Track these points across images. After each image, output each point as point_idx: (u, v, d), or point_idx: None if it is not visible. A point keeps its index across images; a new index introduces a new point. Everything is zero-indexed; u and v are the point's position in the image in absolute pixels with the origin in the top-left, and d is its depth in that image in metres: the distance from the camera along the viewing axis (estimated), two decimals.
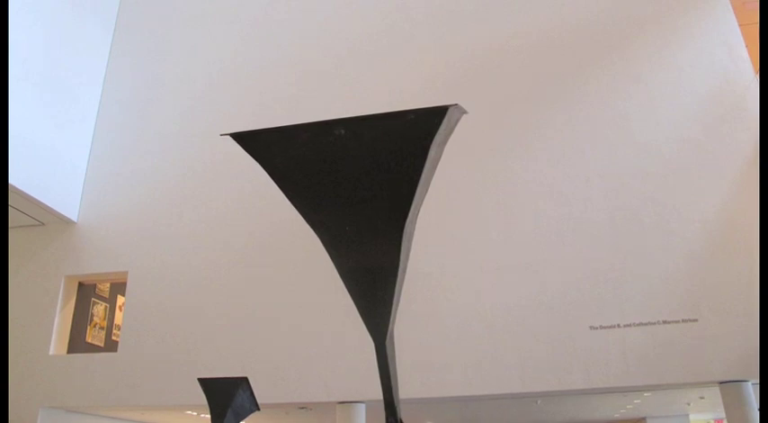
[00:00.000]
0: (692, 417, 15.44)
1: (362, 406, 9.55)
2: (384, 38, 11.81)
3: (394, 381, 2.26)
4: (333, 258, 2.01)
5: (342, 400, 9.48)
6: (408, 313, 8.48)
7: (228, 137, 1.75)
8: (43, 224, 11.67)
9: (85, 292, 12.27)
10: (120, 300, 13.21)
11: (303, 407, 10.78)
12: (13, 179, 10.01)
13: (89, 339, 12.60)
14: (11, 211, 10.89)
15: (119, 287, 13.14)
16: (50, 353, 10.75)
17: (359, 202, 1.83)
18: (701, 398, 11.88)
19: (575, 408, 13.21)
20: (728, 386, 8.59)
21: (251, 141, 1.77)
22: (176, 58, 12.91)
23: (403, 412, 2.44)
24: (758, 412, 8.31)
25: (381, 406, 2.34)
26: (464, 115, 1.72)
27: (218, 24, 13.04)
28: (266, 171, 1.83)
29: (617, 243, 9.40)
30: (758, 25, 9.56)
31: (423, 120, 1.63)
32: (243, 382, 6.06)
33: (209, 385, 6.10)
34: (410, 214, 1.83)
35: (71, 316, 11.45)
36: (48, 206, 10.99)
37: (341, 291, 2.30)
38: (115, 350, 10.98)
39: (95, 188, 11.93)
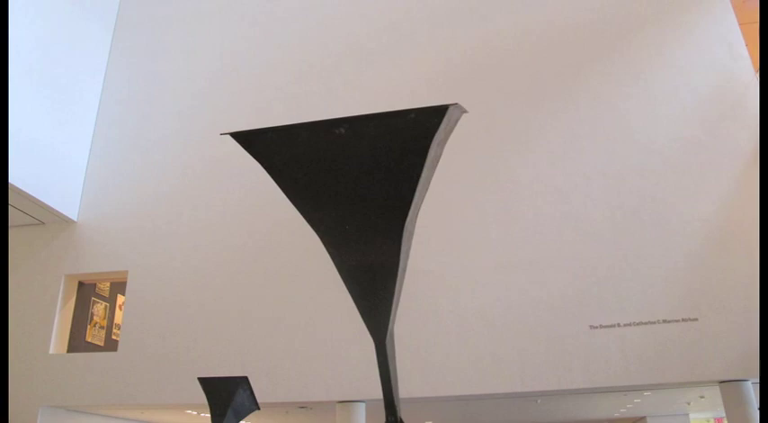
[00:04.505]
0: (692, 416, 15.44)
1: (362, 405, 9.55)
2: (384, 37, 11.81)
3: (394, 380, 2.26)
4: (333, 257, 2.01)
5: (342, 399, 9.49)
6: (408, 312, 8.49)
7: (228, 136, 1.74)
8: (43, 223, 11.67)
9: (85, 291, 12.27)
10: (120, 299, 13.22)
11: (303, 406, 10.79)
12: (14, 178, 10.02)
13: (89, 338, 12.61)
14: (11, 210, 10.89)
15: (119, 286, 13.15)
16: (50, 352, 10.76)
17: (359, 201, 1.83)
18: (702, 397, 11.88)
19: (575, 407, 13.22)
20: (728, 385, 8.59)
21: (251, 140, 1.77)
22: (176, 57, 12.91)
23: (403, 411, 2.44)
24: (758, 411, 8.31)
25: (381, 405, 2.35)
26: (464, 114, 1.72)
27: (218, 24, 13.04)
28: (266, 170, 1.83)
29: (617, 242, 9.40)
30: (758, 24, 9.56)
31: (423, 119, 1.63)
32: (243, 382, 6.06)
33: (209, 384, 6.10)
34: (410, 213, 1.83)
35: (71, 315, 11.45)
36: (48, 205, 10.99)
37: (341, 290, 2.30)
38: (115, 349, 10.98)
39: (95, 187, 11.93)
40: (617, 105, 10.30)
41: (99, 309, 13.30)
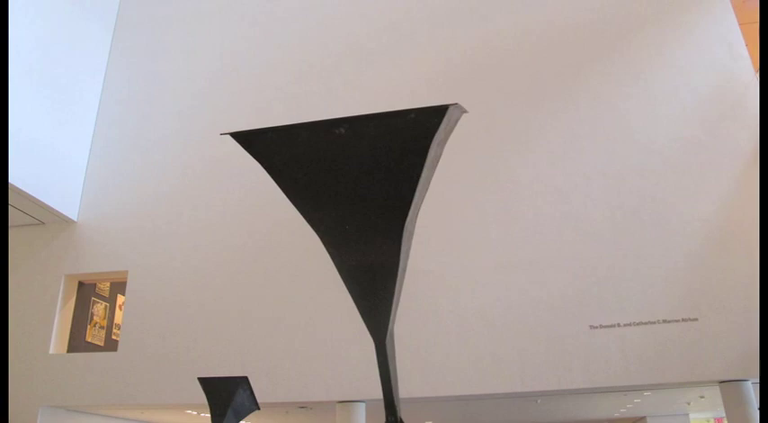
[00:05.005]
0: (692, 416, 15.44)
1: (362, 405, 9.55)
2: (384, 37, 11.81)
3: (394, 380, 2.26)
4: (333, 257, 2.01)
5: (342, 399, 9.49)
6: (408, 312, 8.49)
7: (228, 136, 1.74)
8: (43, 223, 11.67)
9: (85, 291, 12.27)
10: (120, 299, 13.22)
11: (303, 406, 10.79)
12: (14, 178, 10.02)
13: (89, 338, 12.61)
14: (11, 210, 10.89)
15: (119, 286, 13.15)
16: (50, 352, 10.76)
17: (359, 201, 1.83)
18: (702, 397, 11.88)
19: (575, 407, 13.22)
20: (728, 385, 8.59)
21: (251, 140, 1.77)
22: (176, 57, 12.91)
23: (403, 411, 2.44)
24: (758, 411, 8.31)
25: (381, 405, 2.35)
26: (464, 114, 1.72)
27: (218, 24, 13.04)
28: (266, 170, 1.83)
29: (617, 241, 9.40)
30: (758, 24, 9.56)
31: (423, 119, 1.63)
32: (243, 382, 6.06)
33: (209, 384, 6.10)
34: (410, 213, 1.83)
35: (71, 315, 11.45)
36: (48, 205, 10.99)
37: (341, 290, 2.30)
38: (115, 349, 10.98)
39: (95, 187, 11.93)
40: (617, 105, 10.30)
41: (99, 309, 13.30)
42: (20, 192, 10.34)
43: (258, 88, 12.00)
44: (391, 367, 2.23)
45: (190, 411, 11.93)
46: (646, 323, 8.85)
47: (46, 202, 10.91)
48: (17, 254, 11.41)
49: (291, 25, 12.48)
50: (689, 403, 13.21)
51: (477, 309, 9.44)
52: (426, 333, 9.37)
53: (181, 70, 12.73)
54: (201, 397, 6.17)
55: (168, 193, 11.54)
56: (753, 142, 9.45)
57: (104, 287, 13.57)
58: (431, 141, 1.66)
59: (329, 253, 2.01)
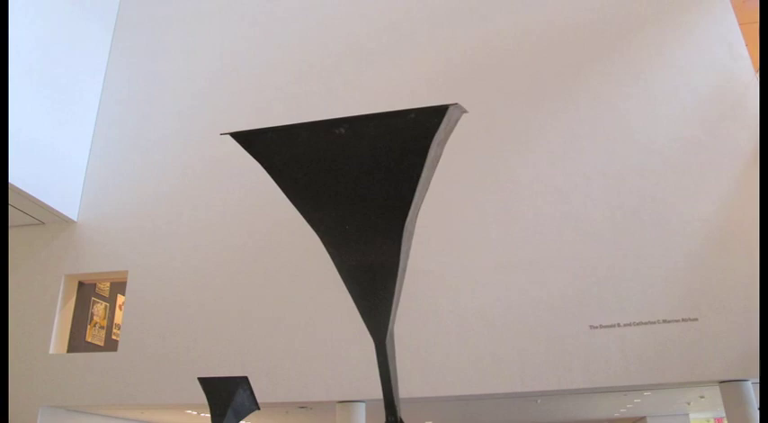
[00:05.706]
0: (692, 416, 15.44)
1: (362, 405, 9.55)
2: (384, 37, 11.82)
3: (394, 380, 2.26)
4: (333, 257, 2.01)
5: (342, 399, 9.49)
6: (408, 312, 8.49)
7: (228, 136, 1.74)
8: (43, 223, 11.67)
9: (85, 291, 12.27)
10: (121, 299, 13.22)
11: (303, 406, 10.79)
12: (14, 178, 10.02)
13: (89, 338, 12.61)
14: (11, 210, 10.89)
15: (119, 286, 13.15)
16: (50, 352, 10.76)
17: (359, 201, 1.83)
18: (702, 397, 11.88)
19: (575, 407, 13.22)
20: (728, 385, 8.59)
21: (251, 140, 1.77)
22: (176, 57, 12.91)
23: (403, 411, 2.44)
24: (758, 411, 8.31)
25: (381, 405, 2.35)
26: (464, 114, 1.72)
27: (218, 24, 13.04)
28: (266, 170, 1.83)
29: (617, 241, 9.40)
30: (758, 24, 9.56)
31: (423, 119, 1.63)
32: (243, 382, 6.06)
33: (209, 384, 6.10)
34: (410, 213, 1.83)
35: (71, 315, 11.45)
36: (48, 205, 10.99)
37: (341, 290, 2.30)
38: (115, 349, 10.98)
39: (95, 187, 11.93)
40: (617, 105, 10.30)
41: (99, 309, 13.30)
42: (20, 192, 10.34)
43: (258, 88, 12.00)
44: (391, 367, 2.23)
45: (190, 411, 11.93)
46: (646, 323, 8.85)
47: (46, 202, 10.91)
48: (17, 254, 11.41)
49: (291, 25, 12.48)
50: (689, 403, 13.21)
51: (477, 309, 9.43)
52: (426, 333, 9.37)
53: (181, 70, 12.73)
54: (201, 397, 6.17)
55: (168, 193, 11.54)
56: (753, 142, 9.45)
57: (104, 287, 13.57)
58: (431, 141, 1.66)
59: (329, 253, 2.01)
